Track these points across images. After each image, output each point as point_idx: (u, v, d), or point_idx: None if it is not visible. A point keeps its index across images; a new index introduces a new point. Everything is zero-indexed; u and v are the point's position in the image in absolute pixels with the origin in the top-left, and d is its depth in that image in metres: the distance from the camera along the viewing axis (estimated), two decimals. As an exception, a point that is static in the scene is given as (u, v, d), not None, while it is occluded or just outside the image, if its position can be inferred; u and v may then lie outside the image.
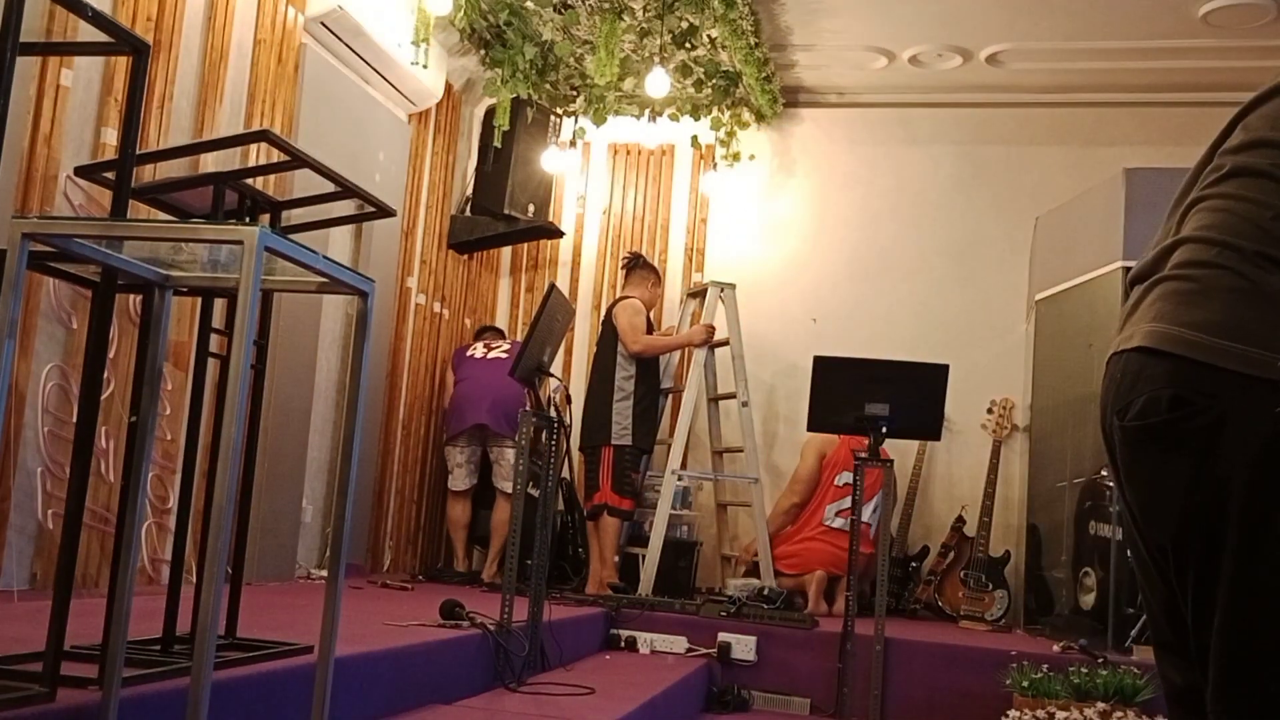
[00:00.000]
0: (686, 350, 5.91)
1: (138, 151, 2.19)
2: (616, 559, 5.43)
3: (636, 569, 5.34)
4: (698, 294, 5.98)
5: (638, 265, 5.76)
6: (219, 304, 2.52)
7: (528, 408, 3.85)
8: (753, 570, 5.47)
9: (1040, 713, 3.70)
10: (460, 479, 5.62)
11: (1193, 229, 1.43)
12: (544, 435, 3.96)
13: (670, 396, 6.01)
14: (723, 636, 4.45)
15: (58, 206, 3.42)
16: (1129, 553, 1.44)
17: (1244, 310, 1.28)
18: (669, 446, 5.61)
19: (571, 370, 6.51)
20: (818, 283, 6.48)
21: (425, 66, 5.16)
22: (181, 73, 3.93)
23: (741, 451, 5.68)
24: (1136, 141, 6.08)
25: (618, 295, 5.82)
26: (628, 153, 6.81)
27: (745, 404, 5.65)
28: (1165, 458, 1.29)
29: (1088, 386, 5.09)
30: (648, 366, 5.49)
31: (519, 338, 6.34)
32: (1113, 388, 1.38)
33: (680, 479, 5.74)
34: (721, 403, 6.05)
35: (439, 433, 5.96)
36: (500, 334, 6.13)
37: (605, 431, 5.35)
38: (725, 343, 5.77)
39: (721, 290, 5.77)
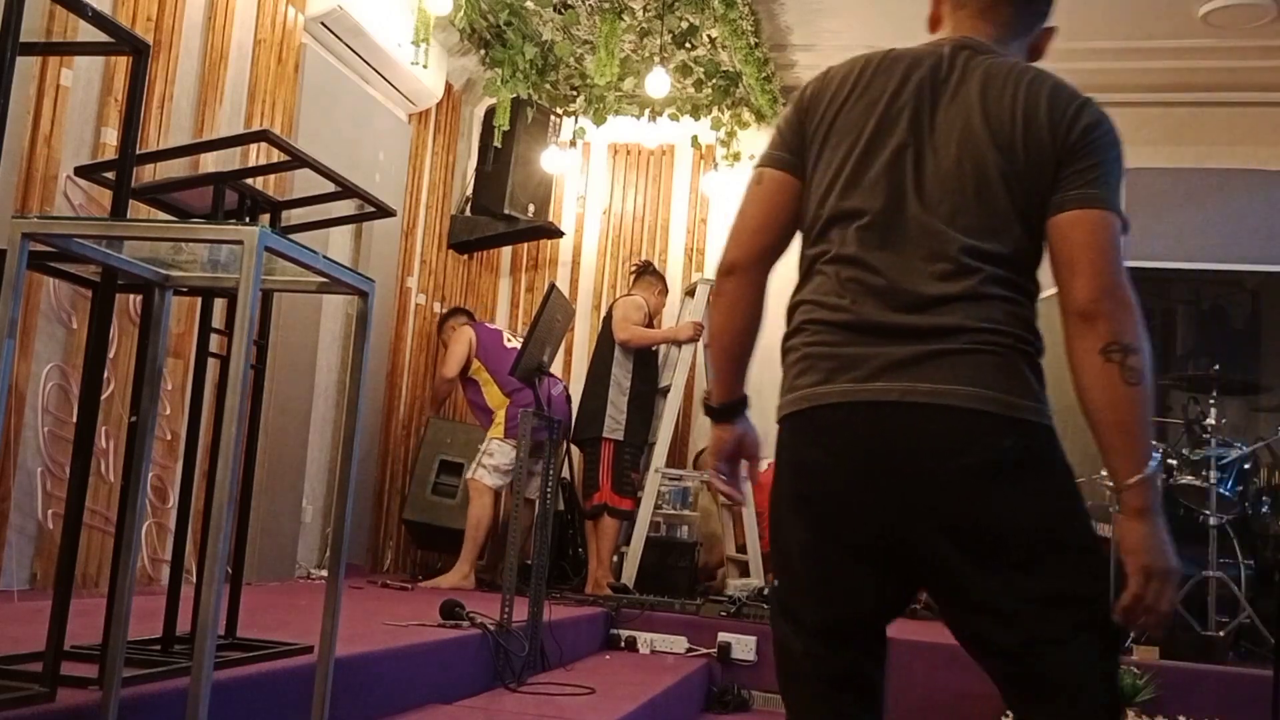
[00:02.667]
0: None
1: (138, 151, 2.19)
2: (616, 559, 5.43)
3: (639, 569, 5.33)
4: (693, 292, 5.99)
5: (646, 272, 5.77)
6: (219, 304, 2.52)
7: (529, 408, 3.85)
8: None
9: (1040, 713, 3.70)
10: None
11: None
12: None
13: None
14: (723, 636, 4.45)
15: (58, 206, 3.42)
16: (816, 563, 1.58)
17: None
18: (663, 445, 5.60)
19: (571, 370, 6.51)
20: (818, 283, 6.47)
21: (425, 66, 5.16)
22: (181, 73, 3.93)
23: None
24: (1136, 141, 6.01)
25: (619, 295, 5.84)
26: (628, 153, 6.81)
27: None
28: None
29: (1088, 386, 5.10)
30: (644, 362, 5.48)
31: (519, 338, 6.33)
32: (918, 425, 1.55)
33: (679, 479, 5.74)
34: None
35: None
36: (470, 315, 5.96)
37: (599, 424, 5.34)
38: None
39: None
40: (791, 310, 1.68)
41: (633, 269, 5.97)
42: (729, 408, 1.79)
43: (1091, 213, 1.68)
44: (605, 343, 5.51)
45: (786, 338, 1.68)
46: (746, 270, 1.73)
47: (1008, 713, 3.80)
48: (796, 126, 1.74)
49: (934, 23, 1.85)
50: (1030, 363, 1.64)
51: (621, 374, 5.40)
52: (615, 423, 5.34)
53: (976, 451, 1.52)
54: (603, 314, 5.94)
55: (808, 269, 1.66)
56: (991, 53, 1.71)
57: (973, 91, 1.64)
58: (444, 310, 5.96)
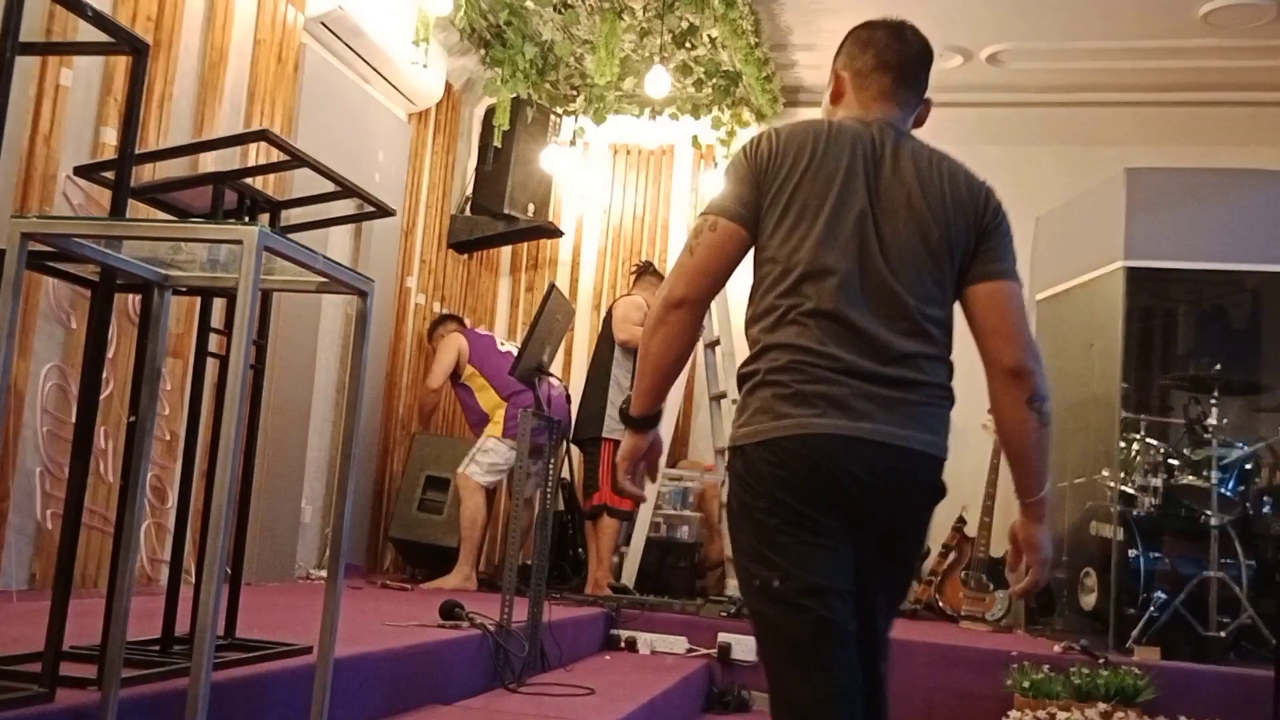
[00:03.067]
0: None
1: (137, 151, 2.19)
2: (616, 559, 5.43)
3: (639, 569, 5.32)
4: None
5: (646, 272, 5.76)
6: (218, 304, 2.52)
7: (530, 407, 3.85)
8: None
9: (1041, 713, 3.69)
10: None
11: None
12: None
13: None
14: (723, 637, 4.44)
15: (57, 206, 3.42)
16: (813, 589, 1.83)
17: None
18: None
19: (571, 370, 6.50)
20: (818, 283, 6.47)
21: (425, 66, 5.16)
22: (181, 72, 3.93)
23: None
24: (1136, 141, 6.08)
25: (620, 295, 5.83)
26: (628, 152, 6.81)
27: (735, 402, 5.65)
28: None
29: (1089, 387, 5.09)
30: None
31: (519, 338, 6.33)
32: (904, 465, 1.89)
33: (678, 479, 5.74)
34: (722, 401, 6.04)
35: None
36: (460, 321, 5.94)
37: (598, 424, 5.33)
38: (717, 342, 5.78)
39: None
40: (767, 348, 1.90)
41: (633, 269, 5.96)
42: (650, 419, 2.05)
43: (1006, 284, 1.97)
44: (605, 343, 5.50)
45: (766, 371, 1.90)
46: (693, 306, 1.97)
47: (1009, 714, 3.80)
48: (753, 185, 1.97)
49: (836, 98, 2.19)
50: (950, 403, 1.97)
51: (622, 374, 5.39)
52: (615, 423, 5.33)
53: (928, 481, 1.94)
54: (602, 314, 5.93)
55: (782, 316, 1.89)
56: (906, 134, 2.07)
57: (907, 170, 1.98)
58: (436, 316, 5.90)
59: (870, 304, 1.86)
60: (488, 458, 5.21)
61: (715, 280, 1.97)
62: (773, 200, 1.94)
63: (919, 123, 2.18)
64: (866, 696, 1.86)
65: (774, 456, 1.85)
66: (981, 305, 1.94)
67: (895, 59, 2.12)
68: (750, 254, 1.99)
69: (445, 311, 5.97)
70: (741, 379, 1.97)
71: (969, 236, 1.98)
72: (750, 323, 1.96)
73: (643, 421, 2.04)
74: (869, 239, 1.88)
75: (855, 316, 1.84)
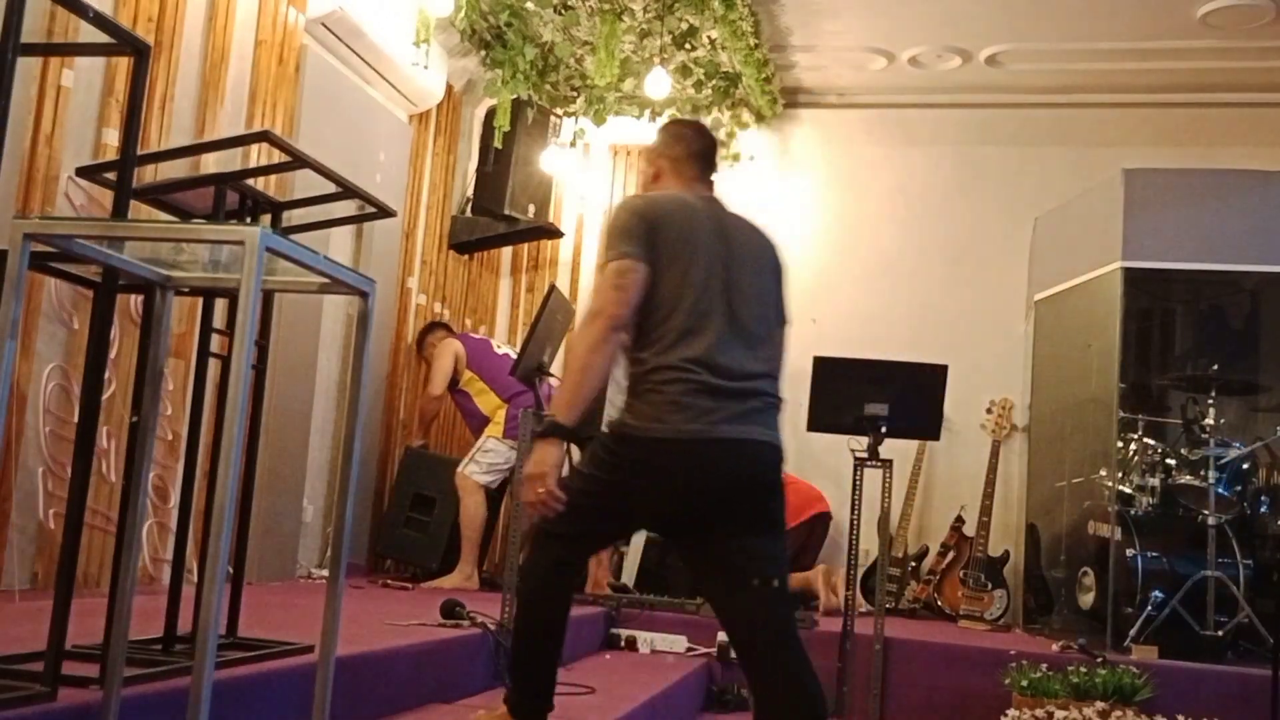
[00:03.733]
0: None
1: (139, 152, 2.20)
2: (615, 559, 5.43)
3: (646, 568, 5.32)
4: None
5: None
6: (220, 304, 2.53)
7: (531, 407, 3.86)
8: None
9: (1039, 712, 3.70)
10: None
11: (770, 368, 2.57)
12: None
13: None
14: (723, 636, 4.44)
15: (59, 207, 3.43)
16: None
17: None
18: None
19: (571, 370, 6.50)
20: (817, 282, 6.48)
21: (426, 67, 5.17)
22: (182, 73, 3.94)
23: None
24: (1136, 141, 6.09)
25: None
26: (628, 153, 6.82)
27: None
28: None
29: (1087, 387, 5.10)
30: None
31: (520, 338, 6.33)
32: (749, 456, 2.45)
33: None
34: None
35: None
36: (448, 328, 5.94)
37: (598, 421, 5.30)
38: None
39: None
40: (656, 368, 2.42)
41: None
42: (576, 430, 2.42)
43: (787, 325, 2.69)
44: None
45: (654, 384, 2.42)
46: (621, 331, 2.44)
47: (1007, 712, 3.81)
48: (651, 239, 2.46)
49: (655, 179, 2.73)
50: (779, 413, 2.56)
51: (621, 373, 5.37)
52: (615, 408, 5.31)
53: (775, 469, 2.51)
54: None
55: (673, 342, 2.42)
56: (724, 207, 2.65)
57: (738, 236, 2.58)
58: (424, 326, 5.81)
59: (735, 338, 2.45)
60: (488, 458, 5.20)
61: (633, 311, 2.44)
62: (659, 251, 2.44)
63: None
64: (776, 644, 2.43)
65: (652, 449, 2.40)
66: (779, 344, 2.65)
67: (700, 149, 2.73)
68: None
69: (432, 320, 5.91)
70: (635, 383, 2.46)
71: (779, 290, 2.66)
72: (641, 348, 2.45)
73: (571, 432, 2.41)
74: (731, 289, 2.47)
75: (723, 347, 2.42)
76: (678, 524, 2.50)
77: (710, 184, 2.70)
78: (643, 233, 2.44)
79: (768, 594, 2.41)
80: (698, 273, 2.44)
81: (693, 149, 2.72)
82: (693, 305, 2.42)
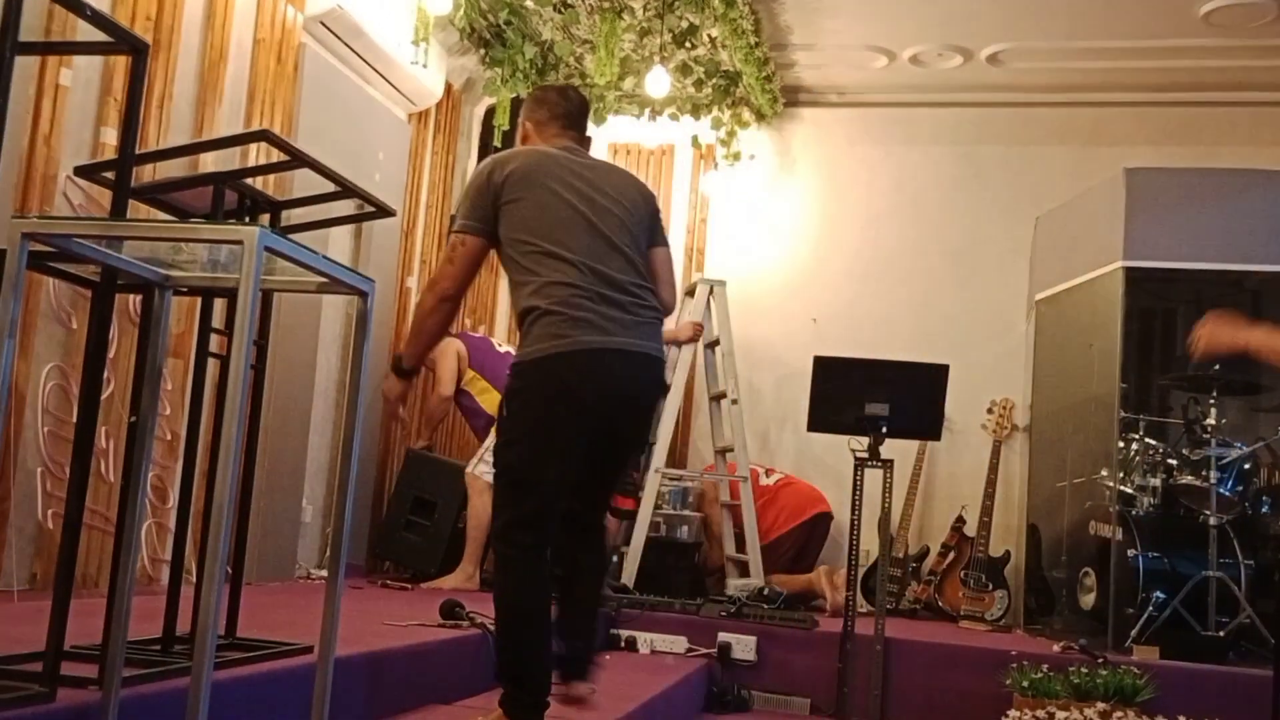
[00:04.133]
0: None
1: (137, 151, 2.19)
2: (615, 559, 5.42)
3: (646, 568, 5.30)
4: (693, 292, 5.98)
5: None
6: (219, 304, 2.52)
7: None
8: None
9: (1040, 712, 3.70)
10: None
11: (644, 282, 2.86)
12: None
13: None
14: (723, 636, 4.45)
15: (57, 206, 3.42)
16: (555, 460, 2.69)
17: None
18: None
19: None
20: (818, 282, 6.48)
21: (425, 66, 5.16)
22: (181, 72, 3.93)
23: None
24: (1136, 141, 6.08)
25: None
26: (628, 152, 6.81)
27: (735, 401, 5.65)
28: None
29: (1088, 387, 5.10)
30: None
31: (510, 342, 6.32)
32: (640, 366, 2.77)
33: (678, 479, 5.73)
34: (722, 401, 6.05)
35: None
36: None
37: None
38: (716, 342, 5.77)
39: (711, 288, 5.76)
40: (534, 307, 2.70)
41: None
42: (416, 370, 2.92)
43: (667, 249, 3.03)
44: None
45: (540, 313, 2.69)
46: (455, 300, 2.83)
47: (1008, 713, 3.80)
48: (490, 204, 2.78)
49: (524, 139, 3.08)
50: (662, 327, 2.92)
51: None
52: None
53: (658, 378, 2.90)
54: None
55: (543, 283, 2.69)
56: (585, 153, 2.99)
57: (601, 173, 2.91)
58: None
59: (609, 263, 2.74)
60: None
61: (470, 281, 2.84)
62: (513, 203, 2.74)
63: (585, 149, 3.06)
64: (585, 527, 2.89)
65: (553, 363, 2.67)
66: (653, 262, 2.94)
67: (562, 111, 3.03)
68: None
69: None
70: (525, 314, 2.73)
71: (648, 220, 2.94)
72: (520, 286, 2.74)
73: (411, 371, 2.89)
74: (599, 220, 2.77)
75: (601, 270, 2.72)
76: (593, 443, 2.73)
77: (576, 138, 3.01)
78: (482, 201, 2.79)
79: (610, 490, 3.03)
80: (552, 208, 2.75)
81: (555, 112, 3.04)
82: (551, 233, 2.72)
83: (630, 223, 2.84)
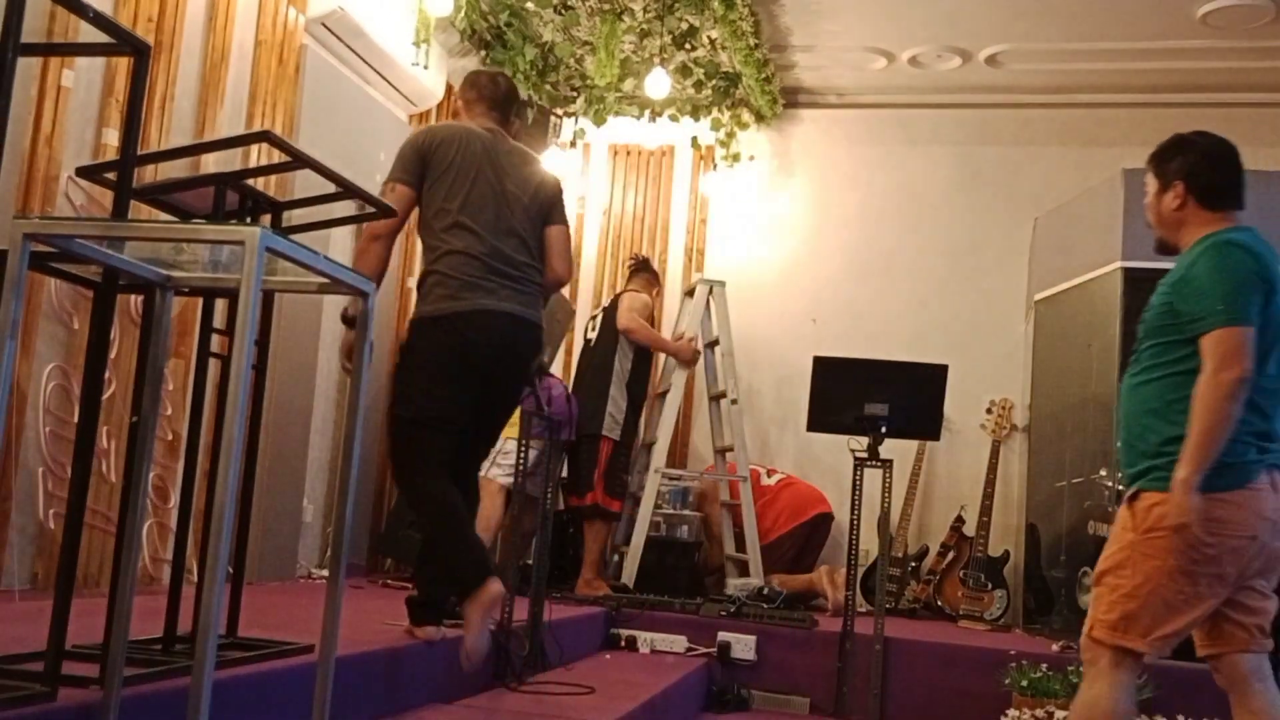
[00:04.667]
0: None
1: (139, 152, 2.20)
2: (615, 559, 5.42)
3: (646, 567, 5.30)
4: (693, 292, 5.98)
5: (645, 269, 5.74)
6: (220, 304, 2.53)
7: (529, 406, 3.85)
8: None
9: (1039, 712, 3.71)
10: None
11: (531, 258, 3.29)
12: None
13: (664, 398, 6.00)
14: (722, 636, 4.45)
15: (59, 207, 3.43)
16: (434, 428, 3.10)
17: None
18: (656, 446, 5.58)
19: (571, 370, 6.51)
20: (818, 283, 6.49)
21: (426, 67, 5.17)
22: (182, 73, 3.94)
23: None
24: (1136, 141, 6.05)
25: (622, 290, 5.79)
26: (628, 153, 6.82)
27: (735, 402, 5.65)
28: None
29: (1087, 387, 5.10)
30: (642, 359, 5.46)
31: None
32: (522, 328, 3.21)
33: (678, 479, 5.74)
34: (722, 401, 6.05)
35: None
36: None
37: (598, 421, 5.28)
38: (716, 342, 5.78)
39: (711, 288, 5.77)
40: (445, 255, 3.13)
41: (630, 263, 5.92)
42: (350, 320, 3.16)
43: (569, 229, 3.43)
44: (608, 338, 5.44)
45: (441, 276, 3.12)
46: (386, 240, 3.17)
47: (1008, 712, 3.81)
48: (419, 162, 3.22)
49: (455, 116, 3.57)
50: (544, 298, 3.33)
51: (622, 371, 5.37)
52: (614, 421, 5.29)
53: (536, 339, 3.27)
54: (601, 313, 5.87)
55: (445, 251, 3.13)
56: (504, 137, 3.38)
57: (514, 159, 3.32)
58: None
59: (503, 239, 3.17)
60: (509, 459, 5.12)
61: (398, 224, 3.16)
62: (437, 170, 3.17)
63: (515, 137, 3.47)
64: (460, 474, 3.15)
65: (446, 323, 3.08)
66: (549, 239, 3.33)
67: (490, 95, 3.44)
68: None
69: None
70: (426, 276, 3.16)
71: (547, 203, 3.34)
72: (429, 250, 3.16)
73: (353, 320, 3.11)
74: (501, 200, 3.18)
75: (495, 244, 3.14)
76: (478, 392, 3.12)
77: (499, 121, 3.41)
78: (413, 159, 3.21)
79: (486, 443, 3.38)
80: (467, 182, 3.16)
81: (483, 94, 3.45)
82: (463, 206, 3.14)
83: (531, 207, 3.28)
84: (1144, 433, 2.57)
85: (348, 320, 3.15)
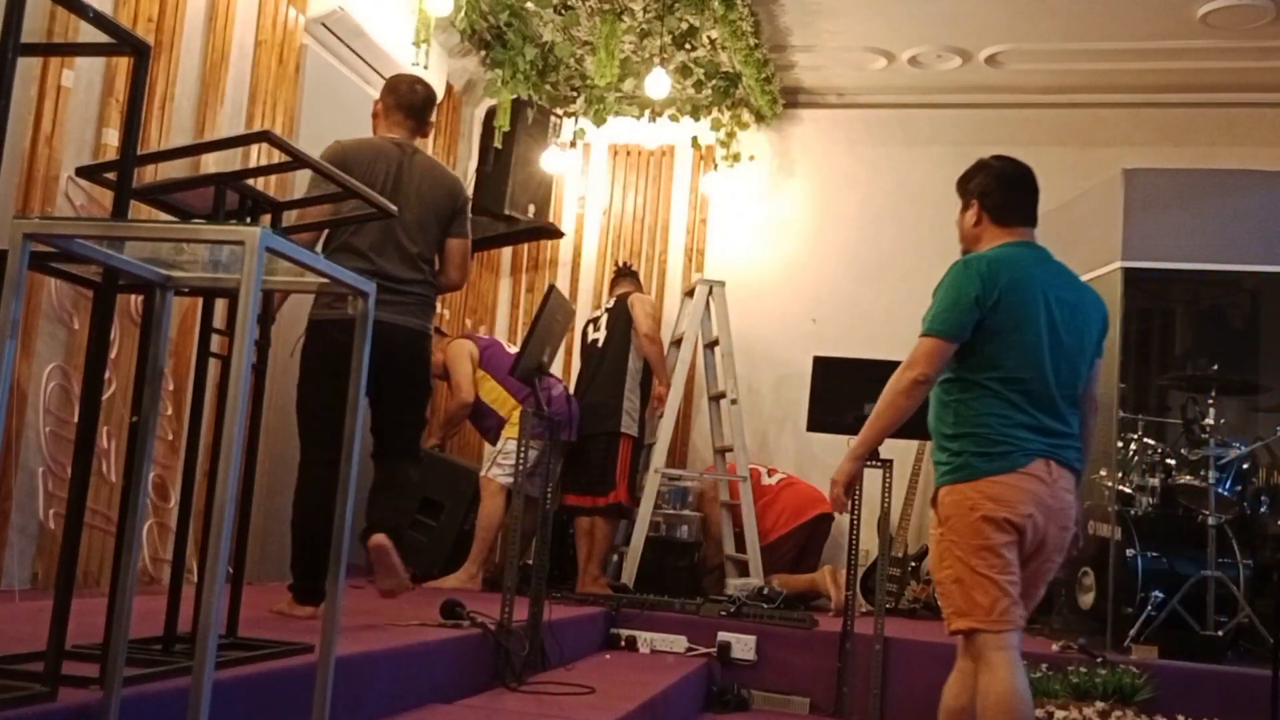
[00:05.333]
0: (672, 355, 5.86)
1: (139, 152, 2.20)
2: (615, 558, 5.42)
3: (646, 567, 5.30)
4: (692, 293, 5.98)
5: (628, 275, 5.75)
6: (220, 304, 2.53)
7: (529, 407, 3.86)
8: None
9: (1039, 712, 3.70)
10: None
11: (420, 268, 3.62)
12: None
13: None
14: (722, 636, 4.45)
15: (59, 207, 3.43)
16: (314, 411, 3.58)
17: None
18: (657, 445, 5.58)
19: (571, 370, 6.51)
20: (818, 283, 6.49)
21: (426, 67, 5.16)
22: (182, 73, 3.94)
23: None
24: (1135, 141, 6.09)
25: (616, 295, 5.76)
26: (628, 153, 6.82)
27: (734, 402, 5.65)
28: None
29: (1087, 387, 5.10)
30: (648, 365, 5.47)
31: (519, 338, 6.33)
32: (403, 336, 3.55)
33: (679, 478, 5.74)
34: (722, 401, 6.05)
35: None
36: (439, 332, 5.82)
37: (616, 419, 5.27)
38: (716, 342, 5.78)
39: (711, 288, 5.76)
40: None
41: (614, 270, 5.90)
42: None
43: (466, 240, 3.73)
44: (619, 339, 5.41)
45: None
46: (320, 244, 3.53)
47: (1007, 712, 3.80)
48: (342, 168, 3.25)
49: (374, 117, 3.73)
50: (432, 306, 3.69)
51: (635, 370, 5.38)
52: (631, 419, 5.29)
53: (416, 347, 3.61)
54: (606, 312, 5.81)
55: (350, 252, 3.45)
56: (417, 150, 3.64)
57: (418, 175, 3.58)
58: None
59: (393, 254, 3.51)
60: (509, 460, 5.10)
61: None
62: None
63: (425, 136, 3.80)
64: (379, 455, 3.65)
65: (332, 333, 3.40)
66: (448, 251, 3.68)
67: (408, 102, 3.64)
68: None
69: None
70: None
71: (451, 213, 3.65)
72: (332, 257, 3.25)
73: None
74: (400, 211, 3.10)
75: (383, 262, 3.47)
76: (375, 393, 3.38)
77: (413, 129, 3.65)
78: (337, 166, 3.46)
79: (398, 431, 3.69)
80: (362, 205, 3.38)
81: (400, 101, 3.63)
82: (361, 229, 3.44)
83: (428, 223, 3.59)
84: (934, 434, 2.89)
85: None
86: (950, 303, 2.84)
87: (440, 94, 5.72)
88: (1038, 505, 2.69)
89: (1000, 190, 3.00)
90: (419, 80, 3.74)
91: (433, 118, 3.78)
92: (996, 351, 2.77)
